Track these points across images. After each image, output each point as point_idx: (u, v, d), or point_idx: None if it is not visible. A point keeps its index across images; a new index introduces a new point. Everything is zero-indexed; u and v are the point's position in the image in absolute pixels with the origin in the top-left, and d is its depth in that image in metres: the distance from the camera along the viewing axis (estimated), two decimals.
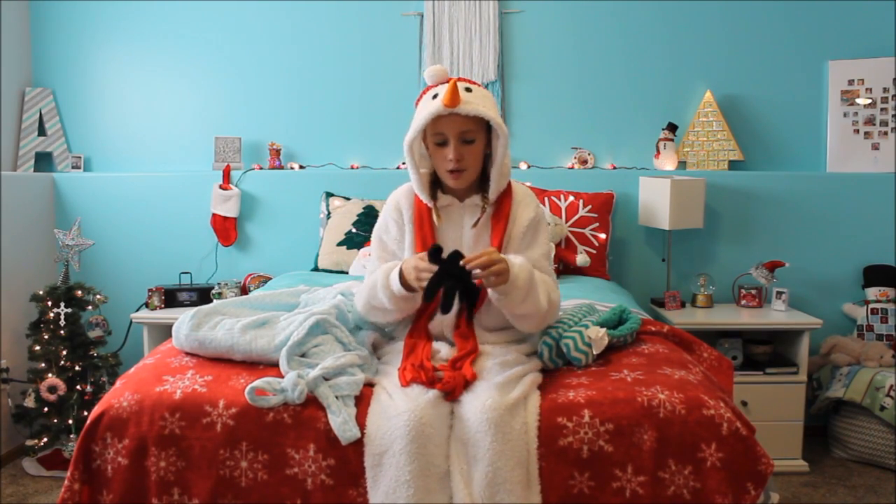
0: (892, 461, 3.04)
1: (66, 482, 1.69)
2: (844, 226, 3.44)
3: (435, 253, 1.70)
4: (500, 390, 1.62)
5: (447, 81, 1.84)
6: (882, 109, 3.44)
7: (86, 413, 3.02)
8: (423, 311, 1.90)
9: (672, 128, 3.48)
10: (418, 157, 1.94)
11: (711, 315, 3.22)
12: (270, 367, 1.80)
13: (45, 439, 3.07)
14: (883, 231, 3.42)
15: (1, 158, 3.52)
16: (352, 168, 3.63)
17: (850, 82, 3.47)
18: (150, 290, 3.31)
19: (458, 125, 1.83)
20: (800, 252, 3.44)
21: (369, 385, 1.74)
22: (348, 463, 1.61)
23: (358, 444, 1.60)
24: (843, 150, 3.49)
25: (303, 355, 1.79)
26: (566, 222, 3.25)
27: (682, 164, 3.54)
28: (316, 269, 3.28)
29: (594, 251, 3.23)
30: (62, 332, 3.11)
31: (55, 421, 3.08)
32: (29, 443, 3.07)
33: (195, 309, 1.93)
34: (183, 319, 1.90)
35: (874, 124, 3.46)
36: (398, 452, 1.55)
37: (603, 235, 3.26)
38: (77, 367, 3.14)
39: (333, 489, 1.61)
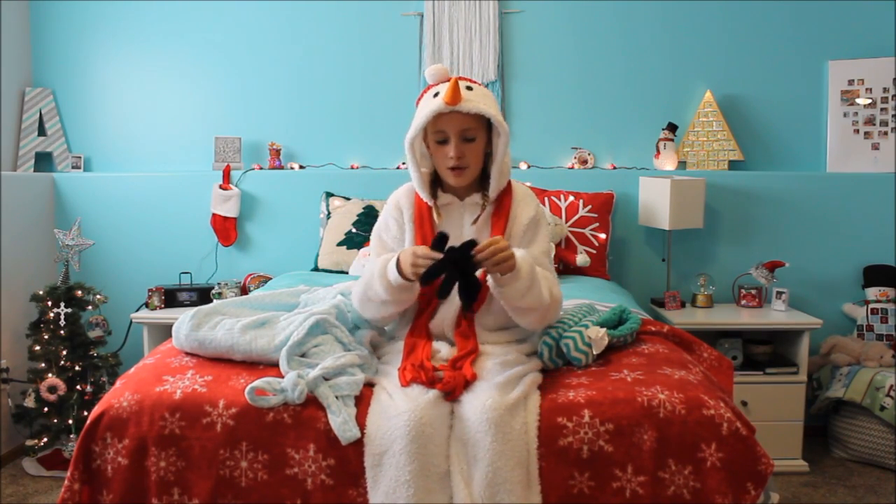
0: (892, 461, 3.04)
1: (66, 482, 1.69)
2: (844, 226, 3.44)
3: (439, 241, 1.70)
4: (501, 390, 1.62)
5: (448, 80, 1.85)
6: (882, 109, 3.44)
7: (86, 413, 3.02)
8: (423, 309, 1.90)
9: (672, 128, 3.48)
10: (419, 155, 1.95)
11: (711, 315, 3.22)
12: (270, 367, 1.79)
13: (45, 439, 3.07)
14: (883, 231, 3.42)
15: (1, 158, 3.52)
16: (352, 168, 3.63)
17: (850, 82, 3.47)
18: (150, 290, 3.31)
19: (459, 123, 1.83)
20: (800, 252, 3.45)
21: (369, 385, 1.74)
22: (348, 463, 1.60)
23: (358, 444, 1.60)
24: (843, 150, 3.49)
25: (303, 355, 1.79)
26: (566, 222, 3.25)
27: (682, 164, 3.54)
28: (316, 269, 3.28)
29: (594, 251, 3.23)
30: (62, 332, 3.11)
31: (55, 421, 3.08)
32: (29, 443, 3.07)
33: (195, 309, 1.93)
34: (183, 319, 1.90)
35: (874, 124, 3.46)
36: (398, 452, 1.54)
37: (603, 235, 3.26)
38: (77, 367, 3.14)
39: (333, 489, 1.61)
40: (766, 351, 3.18)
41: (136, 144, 3.73)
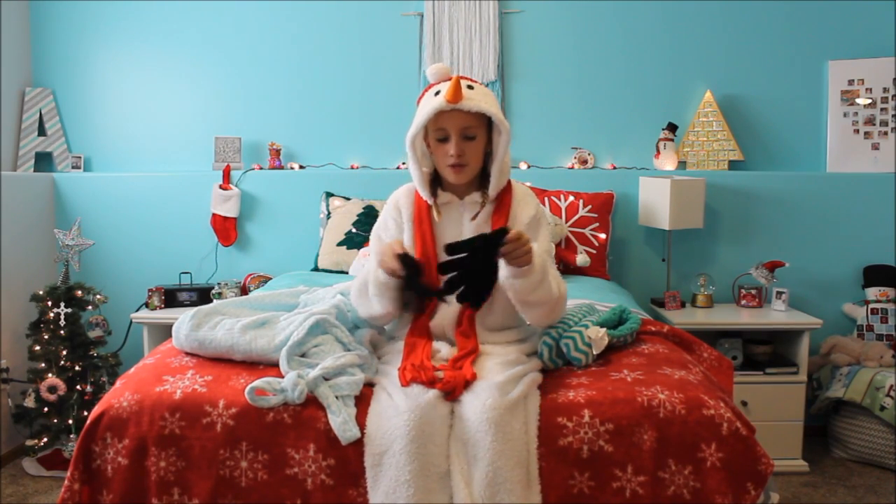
0: (892, 461, 3.04)
1: (66, 482, 1.69)
2: (844, 226, 3.44)
3: (405, 258, 1.73)
4: (501, 390, 1.61)
5: (449, 79, 1.85)
6: (882, 109, 3.44)
7: (86, 413, 3.02)
8: (423, 309, 1.90)
9: (672, 128, 3.48)
10: (420, 154, 1.95)
11: (711, 315, 3.22)
12: (270, 367, 1.79)
13: (45, 439, 3.07)
14: (883, 231, 3.42)
15: (1, 158, 3.52)
16: (352, 168, 3.63)
17: (850, 82, 3.47)
18: (150, 290, 3.31)
19: (460, 121, 1.83)
20: (800, 252, 3.45)
21: (369, 385, 1.74)
22: (348, 463, 1.60)
23: (358, 444, 1.60)
24: (843, 150, 3.49)
25: (303, 355, 1.79)
26: (566, 222, 3.25)
27: (682, 164, 3.53)
28: (316, 269, 3.28)
29: (594, 251, 3.23)
30: (62, 332, 3.11)
31: (55, 421, 3.08)
32: (29, 443, 3.07)
33: (195, 309, 1.93)
34: (183, 319, 1.90)
35: (874, 124, 3.46)
36: (398, 452, 1.54)
37: (603, 235, 3.26)
38: (77, 367, 3.13)
39: (333, 489, 1.61)
40: (766, 351, 3.18)
41: (136, 144, 3.73)
